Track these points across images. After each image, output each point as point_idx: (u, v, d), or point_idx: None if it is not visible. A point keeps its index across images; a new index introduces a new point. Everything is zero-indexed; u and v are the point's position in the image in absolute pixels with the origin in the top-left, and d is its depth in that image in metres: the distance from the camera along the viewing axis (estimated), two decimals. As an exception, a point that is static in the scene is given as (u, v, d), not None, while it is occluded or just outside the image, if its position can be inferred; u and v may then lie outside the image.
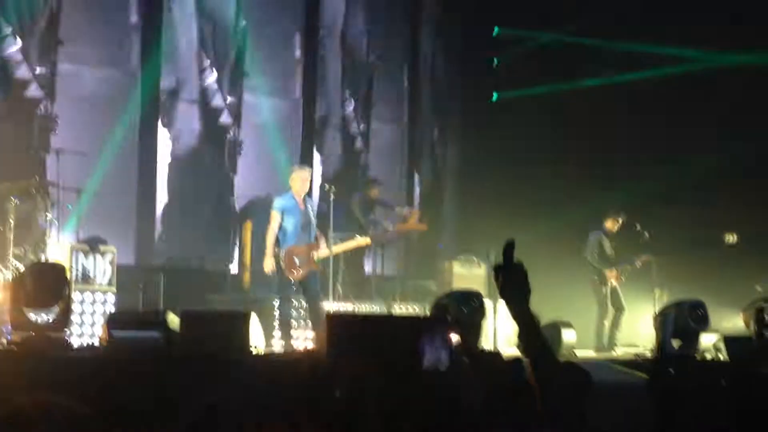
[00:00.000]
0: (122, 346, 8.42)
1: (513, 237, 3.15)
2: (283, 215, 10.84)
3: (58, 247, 10.81)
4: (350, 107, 15.85)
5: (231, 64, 14.04)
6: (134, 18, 13.10)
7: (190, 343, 8.54)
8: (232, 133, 13.97)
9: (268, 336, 10.45)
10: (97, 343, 9.58)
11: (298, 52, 15.23)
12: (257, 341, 9.24)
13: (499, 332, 11.91)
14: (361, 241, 11.97)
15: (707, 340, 10.54)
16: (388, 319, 10.71)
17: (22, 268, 9.72)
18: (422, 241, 16.05)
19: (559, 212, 14.65)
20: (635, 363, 9.92)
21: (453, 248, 16.05)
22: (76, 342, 10.03)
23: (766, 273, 13.39)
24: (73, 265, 10.72)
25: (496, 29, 16.56)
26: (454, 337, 7.49)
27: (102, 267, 11.04)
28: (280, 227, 10.82)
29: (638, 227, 13.27)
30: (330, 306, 11.54)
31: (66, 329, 9.37)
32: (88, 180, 11.62)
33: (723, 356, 10.16)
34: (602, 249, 13.22)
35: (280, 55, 14.96)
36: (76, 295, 10.35)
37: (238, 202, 13.92)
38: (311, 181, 11.56)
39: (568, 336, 11.11)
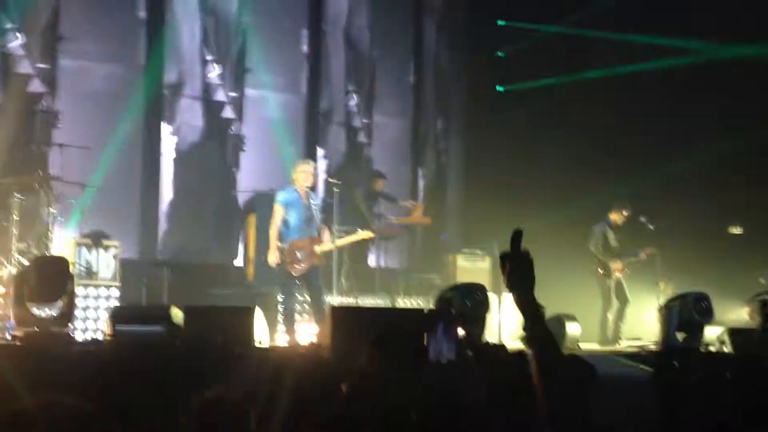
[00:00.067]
0: (126, 341, 8.43)
1: (519, 226, 3.13)
2: (286, 209, 10.84)
3: (62, 241, 10.82)
4: (353, 102, 15.85)
5: (233, 59, 14.05)
6: (138, 13, 13.10)
7: (193, 338, 8.54)
8: (234, 128, 13.99)
9: (272, 330, 10.46)
10: (100, 338, 9.58)
11: (304, 48, 15.23)
12: (261, 335, 9.23)
13: (504, 325, 11.91)
14: (364, 234, 11.95)
15: (712, 333, 10.53)
16: (392, 313, 10.73)
17: (25, 263, 9.73)
18: (426, 234, 16.05)
19: (563, 205, 14.63)
20: (640, 356, 9.92)
21: (457, 241, 16.04)
22: (79, 336, 10.05)
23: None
24: (77, 260, 10.73)
25: (500, 21, 16.53)
26: (459, 331, 7.50)
27: (106, 261, 11.05)
28: (284, 221, 10.81)
29: (643, 219, 13.25)
30: (334, 300, 11.54)
31: (69, 324, 9.37)
32: (92, 175, 11.62)
33: (728, 349, 10.15)
34: (607, 241, 13.20)
35: (287, 51, 14.95)
36: (79, 290, 10.36)
37: (242, 196, 13.92)
38: (315, 175, 11.55)
39: (572, 329, 11.11)
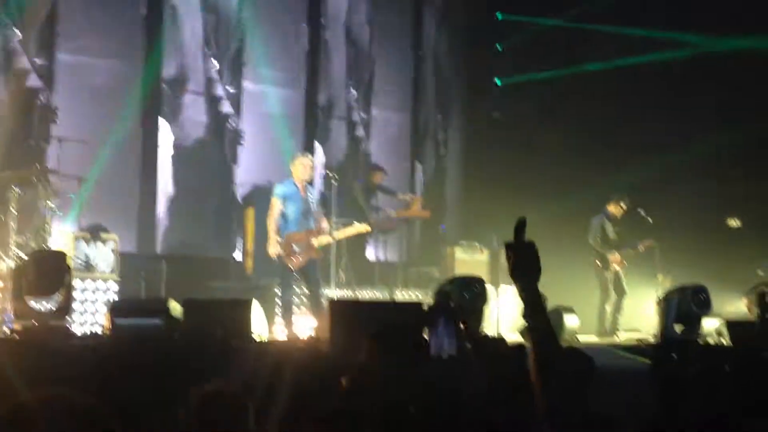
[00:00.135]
0: (125, 334, 8.42)
1: (523, 215, 3.13)
2: (284, 202, 10.84)
3: (60, 235, 10.81)
4: (353, 96, 15.85)
5: (232, 54, 14.05)
6: (137, 9, 13.10)
7: (192, 331, 8.54)
8: (232, 123, 13.98)
9: (271, 323, 10.46)
10: (99, 331, 9.58)
11: (304, 43, 15.22)
12: (259, 328, 9.23)
13: (502, 318, 11.92)
14: (361, 227, 11.95)
15: (710, 325, 10.54)
16: (391, 306, 10.73)
17: (23, 257, 9.72)
18: (425, 227, 16.06)
19: (561, 197, 14.64)
20: (638, 348, 9.92)
21: (456, 234, 16.05)
22: (78, 330, 10.04)
23: (767, 257, 13.38)
24: (75, 254, 10.73)
25: (499, 15, 16.53)
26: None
27: (104, 255, 11.05)
28: (282, 214, 10.81)
29: (641, 212, 13.26)
30: (332, 293, 11.54)
31: (68, 317, 9.37)
32: (90, 169, 11.62)
33: (726, 341, 10.16)
34: (605, 233, 13.20)
35: (286, 46, 14.96)
36: (78, 283, 10.36)
37: (241, 190, 13.93)
38: (313, 168, 11.54)
39: (570, 321, 11.11)
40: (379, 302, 11.65)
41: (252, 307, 9.04)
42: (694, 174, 14.62)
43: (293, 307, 10.80)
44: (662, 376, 4.18)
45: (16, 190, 10.10)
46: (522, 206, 13.88)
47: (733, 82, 14.35)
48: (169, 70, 13.37)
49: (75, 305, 9.97)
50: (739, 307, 11.51)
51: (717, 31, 14.43)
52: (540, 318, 3.07)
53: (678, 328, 10.33)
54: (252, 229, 13.00)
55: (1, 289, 9.46)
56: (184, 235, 13.43)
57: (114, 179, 12.23)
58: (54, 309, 8.92)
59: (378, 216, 13.48)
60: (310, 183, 11.33)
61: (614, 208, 13.30)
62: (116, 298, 10.71)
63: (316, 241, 10.89)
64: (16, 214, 10.00)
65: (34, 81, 11.97)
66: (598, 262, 13.14)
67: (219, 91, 13.89)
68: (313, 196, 11.19)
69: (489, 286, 9.61)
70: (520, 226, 3.11)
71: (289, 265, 10.70)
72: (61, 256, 9.55)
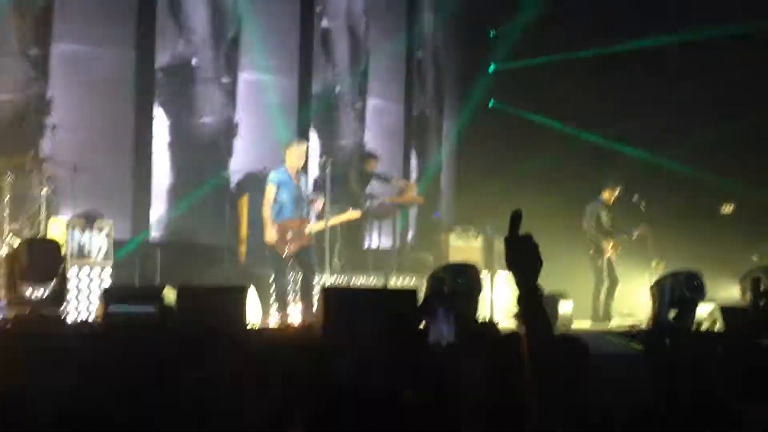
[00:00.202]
0: (118, 321, 8.42)
1: (518, 208, 3.12)
2: (278, 189, 10.84)
3: (54, 222, 10.80)
4: (347, 84, 15.84)
5: (228, 43, 14.02)
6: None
7: (186, 318, 8.54)
8: (227, 112, 13.97)
9: (265, 310, 10.46)
10: (93, 318, 9.58)
11: (299, 31, 15.19)
12: (254, 315, 9.24)
13: (496, 304, 11.93)
14: (353, 214, 11.95)
15: (703, 311, 10.55)
16: (385, 292, 10.74)
17: (17, 244, 9.71)
18: (419, 214, 16.07)
19: (556, 184, 14.65)
20: (631, 334, 9.93)
21: (450, 220, 16.07)
22: (72, 317, 10.04)
23: (761, 243, 13.41)
24: (69, 240, 10.71)
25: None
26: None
27: (98, 242, 11.03)
28: (276, 201, 10.81)
29: (636, 198, 13.27)
30: (326, 279, 11.54)
31: (61, 305, 9.37)
32: (84, 156, 11.60)
33: (719, 326, 10.17)
34: (599, 219, 13.21)
35: (281, 34, 14.92)
36: (72, 270, 10.35)
37: (236, 177, 13.92)
38: (306, 156, 11.54)
39: (564, 307, 11.13)
40: (372, 289, 11.65)
41: (246, 294, 9.04)
42: (690, 160, 14.62)
43: (287, 294, 10.81)
44: (655, 361, 4.19)
45: (10, 177, 10.08)
46: (517, 192, 13.97)
47: (730, 72, 14.34)
48: (164, 59, 13.34)
49: (69, 292, 9.95)
50: (733, 293, 11.53)
51: (716, 21, 14.40)
52: (535, 311, 3.07)
53: (671, 313, 10.35)
54: (246, 216, 12.99)
55: (-4, 276, 9.45)
56: (179, 223, 13.42)
57: (108, 167, 12.23)
58: (47, 296, 8.92)
59: (372, 202, 13.47)
60: (303, 170, 11.32)
61: (608, 195, 13.31)
62: (110, 285, 10.70)
63: (309, 228, 10.89)
64: (9, 201, 9.99)
65: (27, 70, 11.93)
66: (593, 249, 13.16)
67: (214, 80, 13.86)
68: (306, 183, 11.20)
69: (483, 273, 9.62)
70: (515, 220, 3.10)
71: (282, 253, 10.70)
72: (54, 243, 9.55)
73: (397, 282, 12.95)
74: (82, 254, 10.85)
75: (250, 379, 3.48)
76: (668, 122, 14.62)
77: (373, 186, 13.81)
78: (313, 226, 10.97)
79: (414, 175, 16.66)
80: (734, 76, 14.23)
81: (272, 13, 14.72)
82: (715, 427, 3.57)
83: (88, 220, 11.06)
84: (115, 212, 12.11)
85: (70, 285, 10.26)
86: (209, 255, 13.20)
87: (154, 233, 13.10)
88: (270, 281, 11.23)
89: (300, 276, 11.07)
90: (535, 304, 3.08)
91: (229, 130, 13.99)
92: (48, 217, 10.68)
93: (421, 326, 6.56)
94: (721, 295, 12.05)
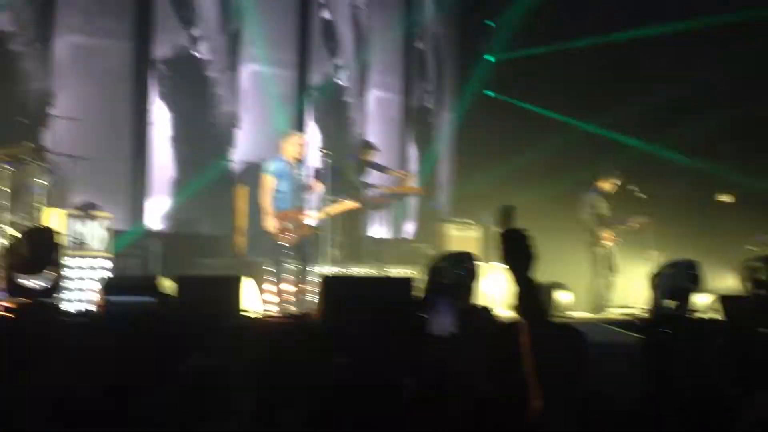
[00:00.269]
0: (117, 311, 8.42)
1: (509, 202, 3.13)
2: (278, 179, 10.85)
3: (53, 212, 10.79)
4: (348, 75, 15.84)
5: (229, 34, 14.02)
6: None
7: (185, 308, 8.54)
8: (228, 103, 13.97)
9: (263, 299, 10.47)
10: (91, 309, 9.57)
11: (298, 22, 15.18)
12: (253, 305, 9.25)
13: (493, 294, 11.93)
14: (349, 204, 11.96)
15: (702, 300, 10.55)
16: (384, 281, 10.75)
17: (15, 234, 9.69)
18: (418, 204, 16.08)
19: (555, 174, 14.65)
20: (629, 324, 9.94)
21: (448, 211, 16.08)
22: (70, 307, 10.04)
23: (759, 232, 13.41)
24: (68, 231, 10.71)
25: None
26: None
27: (97, 232, 11.03)
28: (276, 191, 10.83)
29: (634, 188, 13.27)
30: (325, 269, 11.55)
31: (59, 295, 9.36)
32: (82, 147, 11.59)
33: (718, 316, 10.17)
34: (597, 209, 13.21)
35: (280, 25, 14.93)
36: (71, 261, 10.34)
37: (235, 167, 13.95)
38: (304, 146, 11.54)
39: (562, 298, 11.14)
40: (372, 278, 11.66)
41: (244, 283, 9.05)
42: (690, 150, 14.64)
43: (285, 283, 10.83)
44: (653, 351, 4.19)
45: (8, 167, 10.07)
46: (516, 183, 13.98)
47: (726, 59, 14.34)
48: (165, 50, 13.33)
49: (68, 283, 9.95)
50: (731, 282, 11.53)
51: (713, 7, 14.39)
52: (532, 304, 3.08)
53: (670, 303, 10.34)
54: (245, 207, 12.99)
55: (-6, 267, 9.44)
56: (180, 214, 13.44)
57: (107, 157, 12.24)
58: (45, 287, 8.91)
59: (370, 193, 13.48)
60: (300, 161, 11.33)
61: (606, 184, 13.30)
62: (108, 276, 10.70)
63: (308, 218, 10.91)
64: (9, 192, 9.98)
65: (29, 63, 11.91)
66: (590, 239, 13.15)
67: (216, 72, 13.86)
68: (303, 174, 11.21)
69: (480, 262, 9.61)
70: (507, 214, 3.11)
71: (283, 242, 10.71)
72: (52, 233, 9.52)
73: (395, 272, 12.95)
74: (80, 245, 10.86)
75: (246, 368, 3.49)
76: (666, 112, 14.63)
77: (372, 176, 13.82)
78: (313, 217, 10.98)
79: (413, 165, 16.67)
80: (732, 65, 14.23)
81: (273, 5, 14.71)
82: (713, 415, 3.58)
83: (88, 211, 11.06)
84: (115, 203, 12.12)
85: (70, 275, 10.26)
86: (209, 245, 13.22)
87: (154, 224, 13.10)
88: (268, 271, 11.24)
89: (297, 266, 11.08)
90: (531, 297, 3.09)
91: (230, 121, 13.99)
92: (47, 208, 10.67)
93: (421, 316, 6.55)
94: (719, 285, 12.05)
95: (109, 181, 12.45)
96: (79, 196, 11.50)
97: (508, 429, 3.38)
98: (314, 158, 13.51)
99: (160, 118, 13.27)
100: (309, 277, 10.79)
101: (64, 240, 10.18)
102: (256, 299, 9.53)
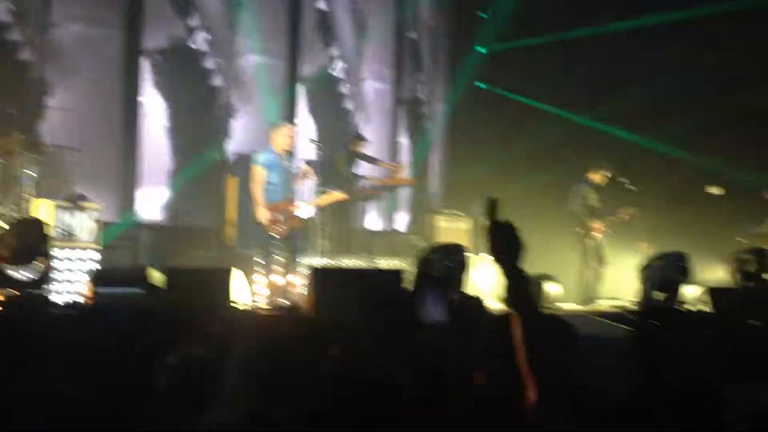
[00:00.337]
0: (106, 303, 8.40)
1: (494, 194, 3.13)
2: (267, 171, 10.84)
3: (42, 204, 10.76)
4: (339, 66, 15.82)
5: (223, 25, 13.99)
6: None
7: (173, 299, 8.52)
8: (223, 95, 13.95)
9: (252, 291, 10.47)
10: (80, 300, 9.55)
11: (289, 13, 15.16)
12: (242, 296, 9.24)
13: (483, 285, 11.94)
14: (338, 195, 11.96)
15: (691, 292, 10.57)
16: (374, 272, 10.75)
17: (3, 226, 9.67)
18: (408, 195, 16.09)
19: (544, 165, 14.66)
20: (618, 316, 9.96)
21: (439, 203, 16.09)
22: (59, 299, 10.02)
23: (744, 223, 13.43)
24: (57, 223, 10.68)
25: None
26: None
27: (86, 224, 11.00)
28: (267, 182, 10.83)
29: (624, 180, 13.28)
30: (314, 261, 11.55)
31: (48, 286, 9.34)
32: (73, 138, 11.56)
33: (707, 308, 10.20)
34: (587, 200, 13.23)
35: (273, 16, 14.89)
36: (60, 252, 10.32)
37: (225, 158, 13.95)
38: (294, 138, 11.53)
39: (551, 289, 11.16)
40: (362, 270, 11.67)
41: (233, 274, 9.05)
42: (679, 142, 14.66)
43: (276, 275, 10.82)
44: (642, 343, 4.19)
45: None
46: (507, 174, 13.99)
47: (718, 52, 14.34)
48: (159, 40, 13.29)
49: (56, 274, 9.93)
50: (721, 274, 11.56)
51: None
52: (521, 297, 3.08)
53: (659, 295, 10.37)
54: (235, 198, 12.98)
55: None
56: (171, 205, 13.41)
57: (96, 148, 12.19)
58: (34, 278, 8.89)
59: (360, 184, 13.47)
60: (290, 152, 11.33)
61: (596, 176, 13.31)
62: (97, 267, 10.67)
63: (298, 210, 10.91)
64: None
65: (27, 54, 11.87)
66: (580, 230, 13.17)
67: (208, 62, 13.84)
68: (293, 165, 11.21)
69: (470, 254, 9.61)
70: (491, 207, 3.11)
71: (273, 233, 10.71)
72: (41, 225, 9.50)
73: (385, 264, 12.97)
74: (69, 236, 10.83)
75: (236, 358, 3.48)
76: (657, 104, 14.64)
77: (363, 168, 13.81)
78: (303, 209, 10.98)
79: (404, 156, 16.67)
80: (724, 57, 14.24)
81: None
82: (701, 407, 3.58)
83: (77, 202, 11.03)
84: (104, 194, 12.08)
85: (58, 267, 10.23)
86: (198, 237, 13.20)
87: (145, 215, 13.07)
88: (258, 262, 11.24)
89: (286, 257, 11.08)
90: (520, 288, 3.09)
91: (227, 112, 13.96)
92: (36, 199, 10.63)
93: (412, 308, 6.55)
94: (709, 277, 12.08)
95: (100, 171, 12.41)
96: (68, 187, 11.45)
97: (508, 429, 3.38)
98: (306, 149, 13.50)
99: (154, 108, 13.22)
100: (298, 269, 10.80)
101: (53, 231, 10.15)
102: (245, 291, 9.52)
